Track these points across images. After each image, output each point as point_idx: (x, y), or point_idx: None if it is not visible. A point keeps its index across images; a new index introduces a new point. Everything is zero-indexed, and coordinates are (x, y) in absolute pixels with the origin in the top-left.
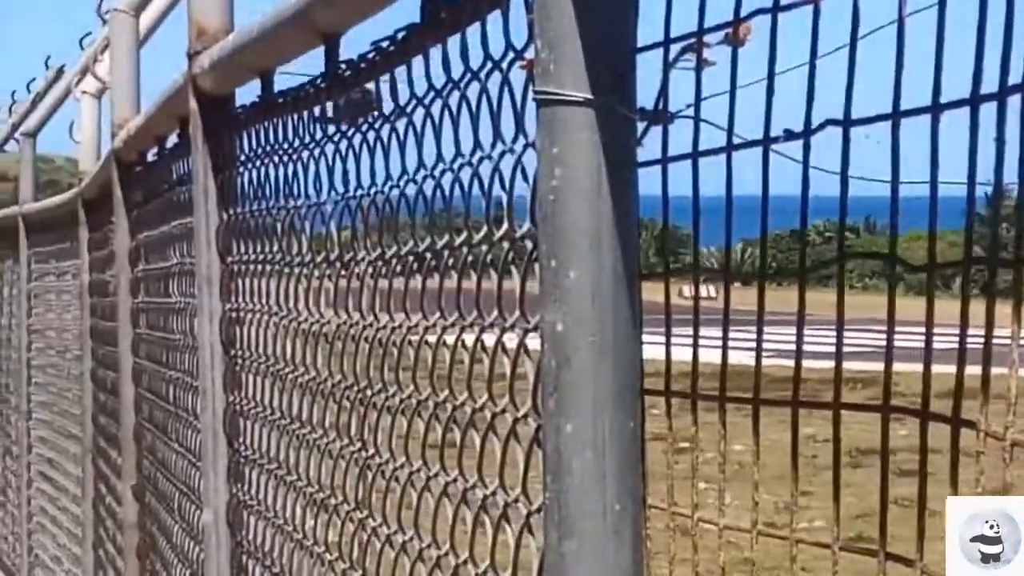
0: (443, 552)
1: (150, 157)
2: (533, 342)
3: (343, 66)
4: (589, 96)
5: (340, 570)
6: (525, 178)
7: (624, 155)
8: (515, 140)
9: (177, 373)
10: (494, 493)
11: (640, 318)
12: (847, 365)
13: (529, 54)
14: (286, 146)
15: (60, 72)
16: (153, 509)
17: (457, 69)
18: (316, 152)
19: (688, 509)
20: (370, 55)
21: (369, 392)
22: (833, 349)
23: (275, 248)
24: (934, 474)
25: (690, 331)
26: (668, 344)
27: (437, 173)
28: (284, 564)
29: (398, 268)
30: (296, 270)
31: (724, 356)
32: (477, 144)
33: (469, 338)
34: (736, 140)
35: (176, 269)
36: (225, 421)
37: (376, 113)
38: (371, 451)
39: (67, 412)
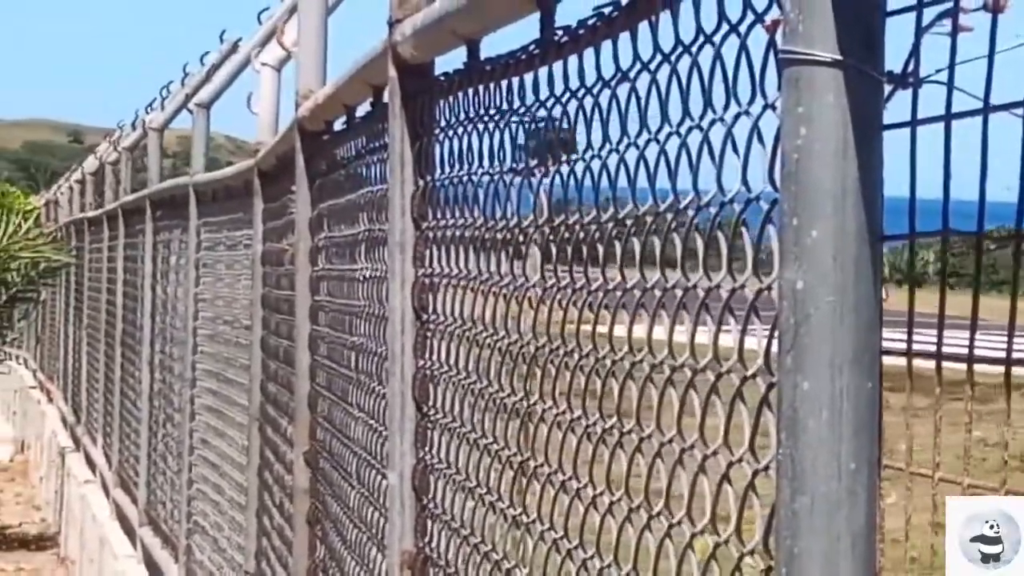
0: (654, 512)
1: (337, 127)
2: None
3: (559, 32)
4: (838, 57)
5: (538, 532)
6: (761, 141)
7: (871, 117)
8: (751, 102)
9: (361, 339)
10: (715, 453)
11: (880, 281)
12: (1017, 371)
13: (769, 16)
14: (492, 112)
15: (236, 45)
16: (327, 475)
17: (688, 34)
18: (527, 121)
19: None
20: (591, 21)
21: (577, 355)
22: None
23: (474, 215)
24: None
25: None
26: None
27: (662, 137)
28: (473, 525)
29: (615, 232)
30: (498, 235)
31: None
32: (708, 106)
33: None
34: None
35: (363, 236)
36: (414, 386)
37: (573, 156)
38: (577, 413)
39: (233, 381)
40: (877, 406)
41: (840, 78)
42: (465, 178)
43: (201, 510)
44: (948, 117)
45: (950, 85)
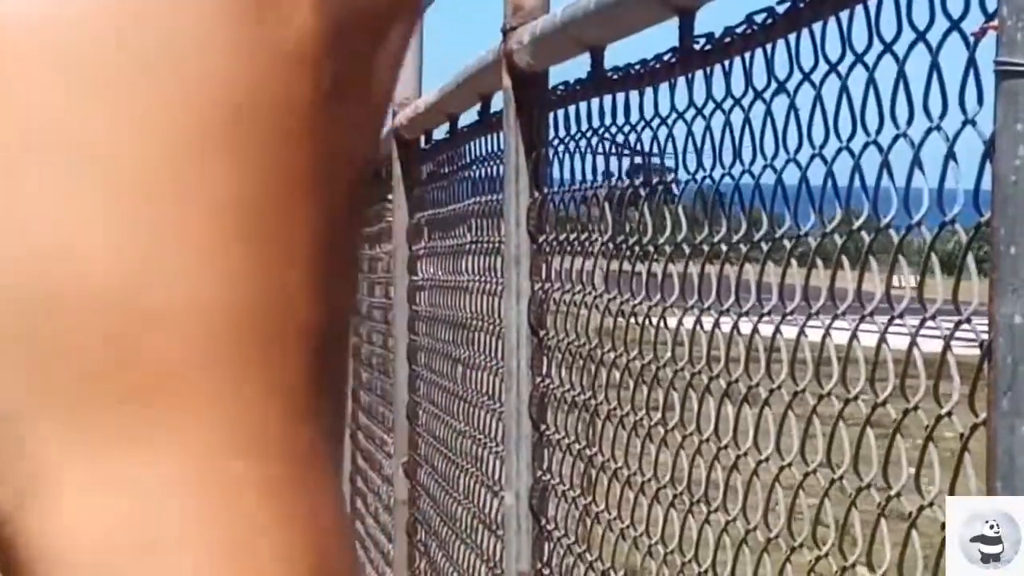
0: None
1: (437, 135)
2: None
3: (702, 40)
4: None
5: (661, 555)
6: (954, 160)
7: None
8: (943, 116)
9: (468, 352)
10: (898, 495)
11: None
12: None
13: (968, 24)
14: (621, 124)
15: None
16: (426, 487)
17: (861, 42)
18: (660, 130)
19: None
20: (741, 28)
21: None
22: None
23: (592, 229)
24: None
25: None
26: None
27: (829, 154)
28: (590, 544)
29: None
30: (631, 250)
31: None
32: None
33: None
34: None
35: (471, 248)
36: (531, 404)
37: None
38: (725, 441)
39: None
40: None
41: None
42: (582, 193)
43: None
44: None
45: None
